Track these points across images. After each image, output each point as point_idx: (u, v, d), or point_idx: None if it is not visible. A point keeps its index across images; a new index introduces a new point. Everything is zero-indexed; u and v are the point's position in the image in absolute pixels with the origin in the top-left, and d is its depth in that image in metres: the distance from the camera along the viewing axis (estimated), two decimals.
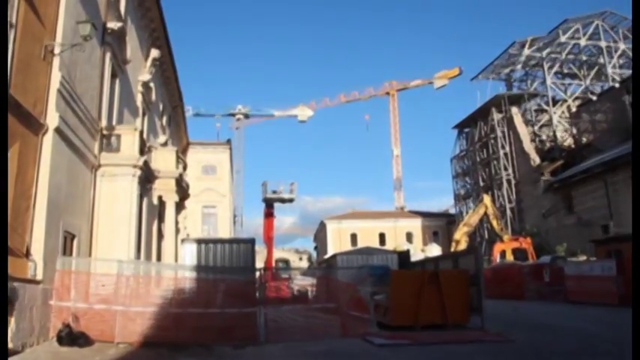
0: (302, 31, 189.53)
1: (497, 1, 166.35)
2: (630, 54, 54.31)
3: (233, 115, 75.80)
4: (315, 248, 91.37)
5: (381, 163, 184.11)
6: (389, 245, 63.44)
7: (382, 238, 72.38)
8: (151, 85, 23.02)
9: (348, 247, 62.07)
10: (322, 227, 78.43)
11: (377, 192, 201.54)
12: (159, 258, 20.14)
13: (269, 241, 39.98)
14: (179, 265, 18.60)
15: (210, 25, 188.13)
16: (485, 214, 46.96)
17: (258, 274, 14.28)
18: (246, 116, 76.62)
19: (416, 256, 44.77)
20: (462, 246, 44.54)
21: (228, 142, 51.83)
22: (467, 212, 57.86)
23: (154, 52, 22.76)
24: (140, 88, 21.65)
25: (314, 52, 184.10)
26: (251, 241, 23.48)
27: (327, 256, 54.18)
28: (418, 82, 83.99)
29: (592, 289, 21.58)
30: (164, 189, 19.67)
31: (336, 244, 69.67)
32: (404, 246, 56.18)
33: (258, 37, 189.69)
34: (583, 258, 31.29)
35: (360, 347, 11.45)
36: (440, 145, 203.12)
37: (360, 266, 24.06)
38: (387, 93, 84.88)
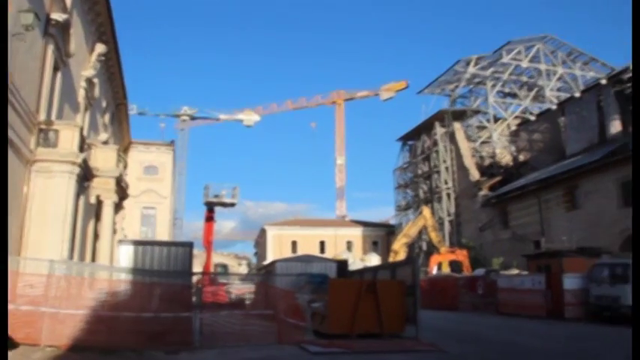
0: (251, 36, 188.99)
1: (448, 17, 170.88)
2: (567, 78, 56.80)
3: (178, 116, 74.76)
4: (255, 254, 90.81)
5: (325, 172, 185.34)
6: (329, 253, 63.77)
7: (322, 246, 72.64)
8: (95, 80, 22.40)
9: (288, 253, 61.99)
10: (263, 233, 78.03)
11: (319, 200, 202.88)
12: (94, 259, 19.60)
13: (208, 246, 39.56)
14: (114, 267, 18.17)
15: (159, 25, 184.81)
16: (425, 225, 47.81)
17: (195, 278, 14.11)
18: (192, 118, 75.76)
19: (355, 265, 45.24)
20: (401, 256, 45.05)
21: (172, 143, 50.99)
22: (407, 223, 58.76)
23: (100, 47, 22.17)
24: (83, 83, 21.01)
25: (263, 57, 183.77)
26: (189, 245, 23.22)
27: (266, 263, 54.01)
28: (365, 93, 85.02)
29: (523, 302, 22.35)
30: (103, 188, 19.17)
31: (277, 250, 69.41)
32: (344, 255, 56.72)
33: (208, 41, 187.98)
34: (516, 272, 32.34)
35: (295, 355, 11.46)
36: (384, 156, 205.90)
37: (299, 274, 24.18)
38: (335, 102, 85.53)
